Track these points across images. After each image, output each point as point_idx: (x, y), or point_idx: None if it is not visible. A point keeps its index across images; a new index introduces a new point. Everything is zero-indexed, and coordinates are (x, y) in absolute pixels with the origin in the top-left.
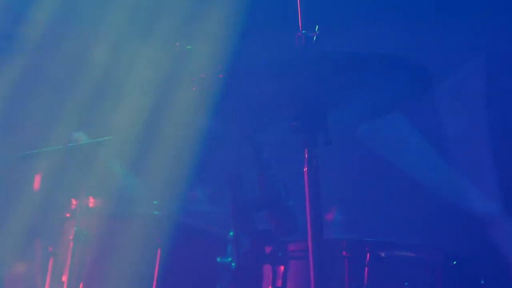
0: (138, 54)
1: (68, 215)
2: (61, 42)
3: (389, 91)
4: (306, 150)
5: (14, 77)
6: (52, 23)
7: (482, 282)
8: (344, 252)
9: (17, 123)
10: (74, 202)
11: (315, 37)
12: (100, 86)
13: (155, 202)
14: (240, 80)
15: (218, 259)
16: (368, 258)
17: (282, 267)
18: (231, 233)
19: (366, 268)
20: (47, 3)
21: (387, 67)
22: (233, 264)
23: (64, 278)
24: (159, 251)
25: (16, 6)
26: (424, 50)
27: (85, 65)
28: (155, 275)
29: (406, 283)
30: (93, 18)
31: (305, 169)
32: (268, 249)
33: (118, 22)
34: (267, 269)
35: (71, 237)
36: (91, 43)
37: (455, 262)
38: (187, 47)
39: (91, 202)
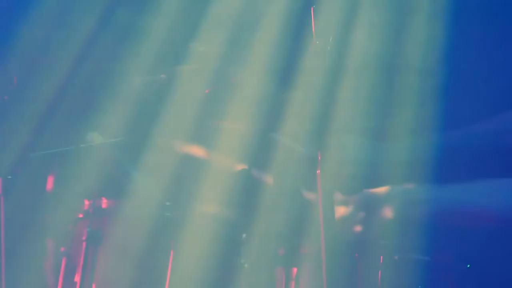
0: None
1: (81, 215)
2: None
3: (399, 94)
4: (319, 152)
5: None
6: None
7: (496, 286)
8: (357, 254)
9: (31, 123)
10: (87, 202)
11: (329, 48)
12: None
13: (167, 203)
14: (254, 83)
15: (231, 261)
16: (381, 261)
17: (295, 269)
18: (244, 235)
19: (379, 271)
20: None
21: (396, 73)
22: (246, 265)
23: (77, 279)
24: (171, 252)
25: None
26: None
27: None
28: (168, 276)
29: (419, 286)
30: None
31: (318, 171)
32: (281, 251)
33: None
34: (279, 271)
35: (83, 238)
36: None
37: (468, 266)
38: (199, 49)
39: (104, 203)
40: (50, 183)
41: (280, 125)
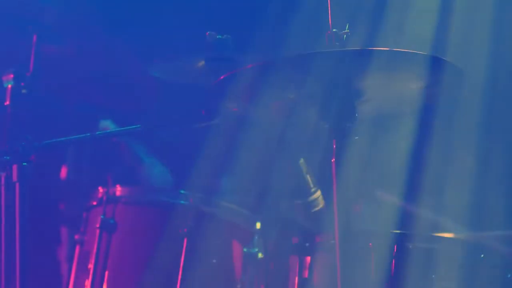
0: None
1: (94, 203)
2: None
3: (417, 85)
4: (334, 140)
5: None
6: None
7: (509, 276)
8: (371, 244)
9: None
10: (101, 190)
11: (345, 36)
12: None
13: (181, 191)
14: (271, 71)
15: (245, 249)
16: (395, 250)
17: (309, 258)
18: (258, 224)
19: (393, 260)
20: None
21: (415, 64)
22: (259, 254)
23: (90, 266)
24: (185, 240)
25: None
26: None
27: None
28: (181, 264)
29: (433, 276)
30: None
31: (333, 159)
32: (295, 240)
33: None
34: (293, 259)
35: (97, 225)
36: None
37: (482, 255)
38: (218, 37)
39: (118, 190)
40: (64, 170)
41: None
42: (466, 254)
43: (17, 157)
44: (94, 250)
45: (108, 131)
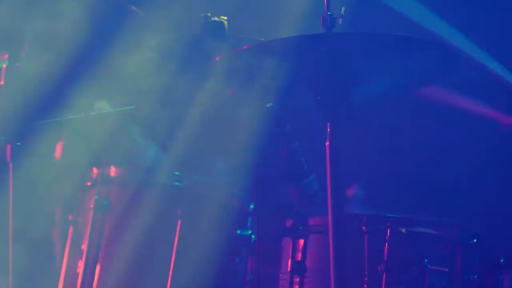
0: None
1: (89, 183)
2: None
3: (413, 69)
4: (328, 124)
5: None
6: None
7: (502, 260)
8: (364, 228)
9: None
10: (95, 171)
11: (340, 19)
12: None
13: (176, 172)
14: (265, 54)
15: (238, 232)
16: (388, 234)
17: (302, 241)
18: (252, 206)
19: (386, 244)
20: None
21: (411, 48)
22: (253, 236)
23: (84, 247)
24: (179, 222)
25: None
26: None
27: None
28: (175, 246)
29: (426, 260)
30: None
31: (327, 143)
32: (288, 223)
33: None
34: (287, 242)
35: (91, 206)
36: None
37: (475, 240)
38: (212, 19)
39: (113, 171)
40: (59, 150)
41: None
42: (459, 238)
43: (11, 137)
44: (88, 231)
45: (103, 111)
